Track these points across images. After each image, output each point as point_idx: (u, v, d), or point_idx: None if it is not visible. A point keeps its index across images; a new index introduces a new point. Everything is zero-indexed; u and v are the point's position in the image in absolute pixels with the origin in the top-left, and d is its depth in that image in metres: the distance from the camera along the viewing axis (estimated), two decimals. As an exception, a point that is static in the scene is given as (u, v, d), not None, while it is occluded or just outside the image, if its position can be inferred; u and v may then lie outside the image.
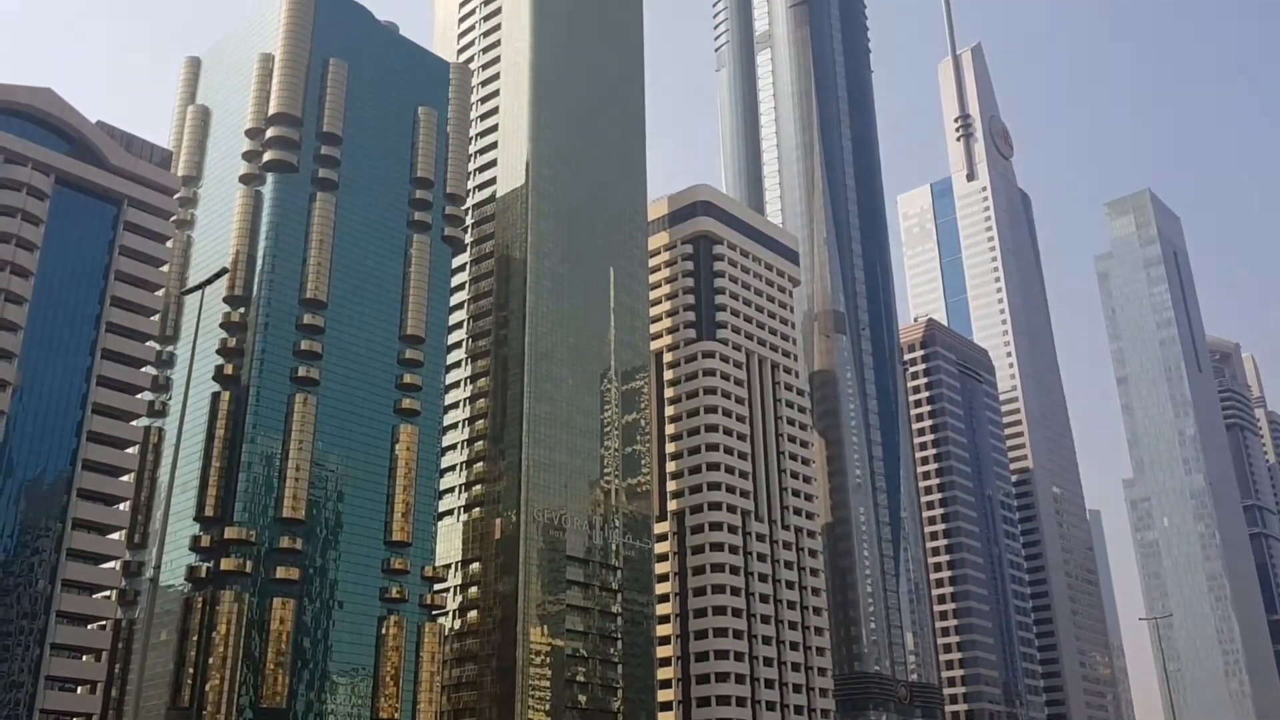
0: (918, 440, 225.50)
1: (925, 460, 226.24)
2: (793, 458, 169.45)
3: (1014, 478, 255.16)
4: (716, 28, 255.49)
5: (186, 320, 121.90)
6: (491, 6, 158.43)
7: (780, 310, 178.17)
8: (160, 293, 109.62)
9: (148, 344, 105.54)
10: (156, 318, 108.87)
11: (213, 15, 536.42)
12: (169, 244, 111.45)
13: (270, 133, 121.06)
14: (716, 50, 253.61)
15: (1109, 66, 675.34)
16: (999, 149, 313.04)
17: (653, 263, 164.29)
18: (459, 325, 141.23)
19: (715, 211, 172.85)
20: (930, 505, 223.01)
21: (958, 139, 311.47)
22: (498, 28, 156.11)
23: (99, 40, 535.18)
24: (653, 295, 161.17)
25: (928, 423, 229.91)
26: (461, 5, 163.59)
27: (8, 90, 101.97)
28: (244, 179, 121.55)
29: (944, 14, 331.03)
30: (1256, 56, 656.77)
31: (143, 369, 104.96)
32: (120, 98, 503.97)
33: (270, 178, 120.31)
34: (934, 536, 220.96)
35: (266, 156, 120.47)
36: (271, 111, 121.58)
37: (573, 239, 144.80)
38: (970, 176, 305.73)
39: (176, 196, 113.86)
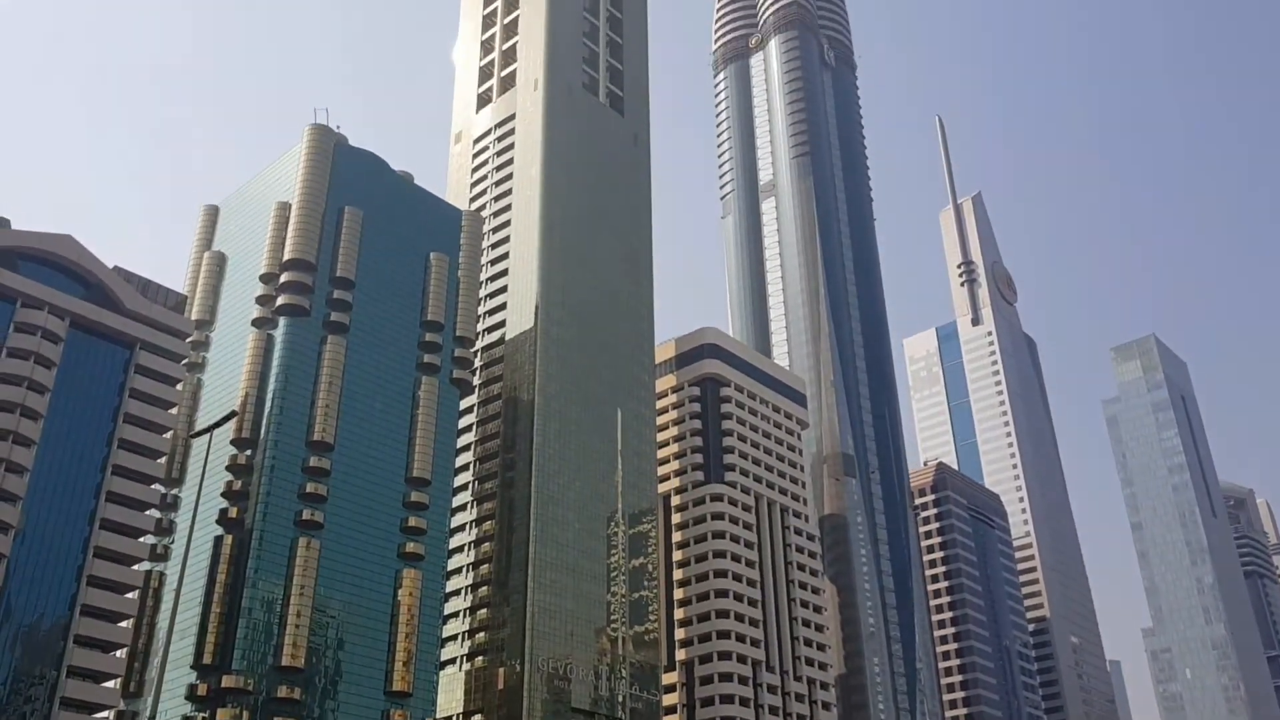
0: (931, 588, 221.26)
1: (940, 609, 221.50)
2: (804, 605, 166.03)
3: (1031, 627, 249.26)
4: (722, 176, 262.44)
5: (193, 463, 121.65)
6: (504, 157, 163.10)
7: (789, 453, 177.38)
8: (168, 435, 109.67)
9: (153, 487, 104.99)
10: (163, 460, 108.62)
11: (234, 165, 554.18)
12: (179, 387, 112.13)
13: (284, 277, 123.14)
14: (722, 198, 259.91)
15: (1110, 213, 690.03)
16: (1003, 294, 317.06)
17: (660, 405, 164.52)
18: (465, 468, 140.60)
19: (722, 354, 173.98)
20: (946, 655, 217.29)
21: (961, 284, 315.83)
22: (509, 177, 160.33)
23: (122, 186, 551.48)
24: (660, 437, 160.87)
25: (941, 569, 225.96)
26: (475, 156, 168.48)
27: (30, 237, 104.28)
28: (256, 322, 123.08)
29: (944, 164, 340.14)
30: (1265, 205, 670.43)
31: (147, 512, 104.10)
32: (140, 241, 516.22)
33: (282, 321, 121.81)
34: (950, 689, 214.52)
35: (280, 300, 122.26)
36: (286, 257, 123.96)
37: (581, 381, 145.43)
38: (975, 321, 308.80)
39: (189, 340, 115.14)
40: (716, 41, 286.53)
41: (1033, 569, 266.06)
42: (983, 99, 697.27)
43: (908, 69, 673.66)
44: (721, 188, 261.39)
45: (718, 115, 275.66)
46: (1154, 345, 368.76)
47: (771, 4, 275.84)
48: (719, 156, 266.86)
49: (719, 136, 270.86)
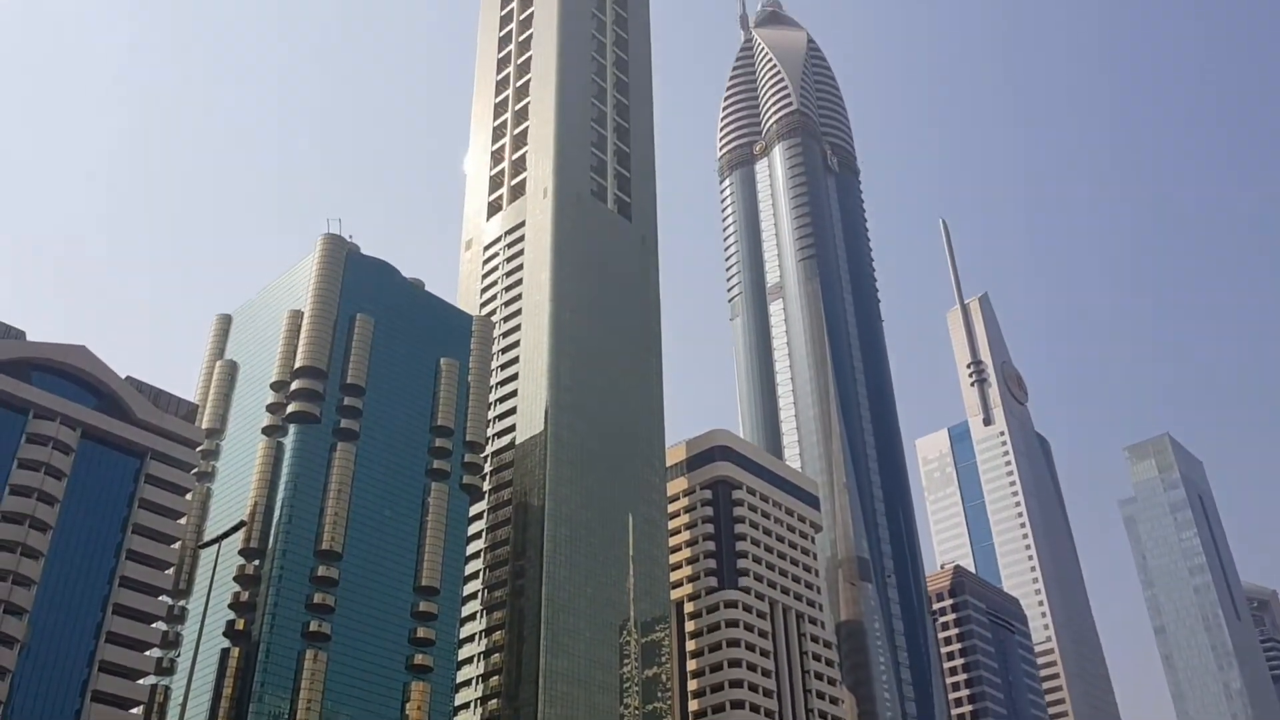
0: (952, 696, 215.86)
1: (962, 718, 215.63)
2: (822, 716, 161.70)
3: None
4: (729, 279, 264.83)
5: (200, 573, 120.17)
6: (514, 263, 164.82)
7: (803, 557, 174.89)
8: (176, 546, 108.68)
9: (160, 599, 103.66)
10: (170, 572, 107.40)
11: (250, 274, 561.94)
12: (189, 496, 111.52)
13: (295, 385, 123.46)
14: (730, 300, 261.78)
15: (1119, 309, 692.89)
16: (1013, 394, 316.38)
17: (672, 509, 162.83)
18: (475, 575, 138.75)
19: (734, 456, 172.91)
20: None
21: (972, 384, 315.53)
22: (519, 282, 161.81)
23: (138, 293, 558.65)
24: (672, 542, 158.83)
25: (962, 677, 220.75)
26: (485, 262, 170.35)
27: (44, 348, 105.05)
28: (266, 430, 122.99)
29: (949, 265, 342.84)
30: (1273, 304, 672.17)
31: (153, 625, 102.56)
32: (154, 349, 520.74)
33: (292, 429, 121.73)
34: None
35: (290, 408, 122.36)
36: (297, 364, 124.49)
37: (591, 485, 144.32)
38: (987, 421, 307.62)
39: (199, 449, 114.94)
40: (721, 148, 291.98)
41: (1055, 674, 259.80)
42: (986, 199, 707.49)
43: (910, 172, 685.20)
44: (729, 290, 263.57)
45: (724, 219, 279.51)
46: (1168, 444, 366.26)
47: (774, 112, 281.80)
48: (726, 259, 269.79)
49: (726, 240, 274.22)
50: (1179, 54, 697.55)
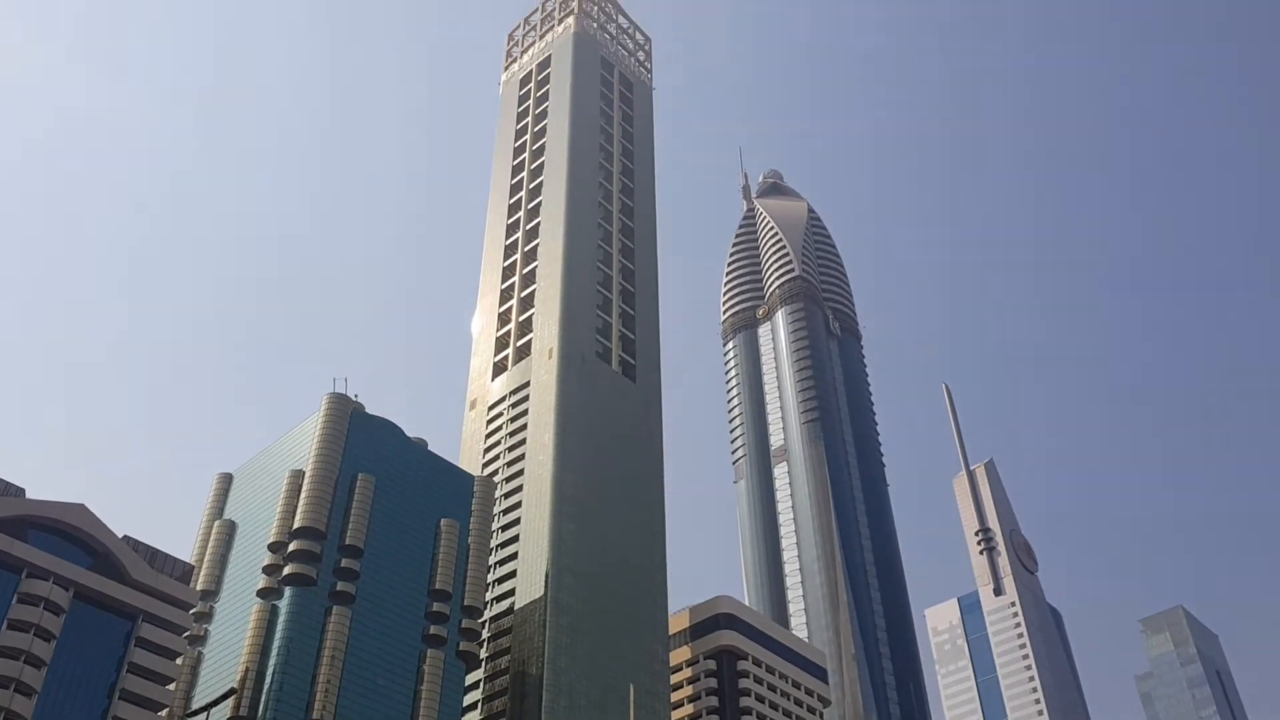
0: None
1: None
2: None
3: None
4: (733, 441, 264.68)
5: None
6: (517, 423, 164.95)
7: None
8: (164, 713, 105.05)
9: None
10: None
11: (254, 432, 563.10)
12: (179, 661, 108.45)
13: (292, 546, 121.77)
14: (734, 463, 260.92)
15: (1127, 476, 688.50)
16: (1023, 563, 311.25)
17: (675, 679, 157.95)
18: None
19: (738, 624, 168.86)
20: None
21: (980, 552, 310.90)
22: (523, 443, 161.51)
23: (139, 451, 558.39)
24: (675, 715, 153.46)
25: None
26: (489, 422, 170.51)
27: (43, 506, 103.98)
28: (261, 593, 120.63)
29: (954, 431, 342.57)
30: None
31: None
32: (154, 505, 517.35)
33: (288, 591, 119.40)
34: None
35: (286, 570, 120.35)
36: (296, 525, 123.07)
37: (591, 654, 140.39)
38: (998, 591, 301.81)
39: (192, 611, 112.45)
40: (725, 312, 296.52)
41: None
42: (989, 363, 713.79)
43: (912, 336, 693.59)
44: (733, 452, 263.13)
45: (728, 382, 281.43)
46: (1183, 617, 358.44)
47: (777, 278, 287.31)
48: (730, 422, 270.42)
49: (729, 402, 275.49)
50: (1169, 222, 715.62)
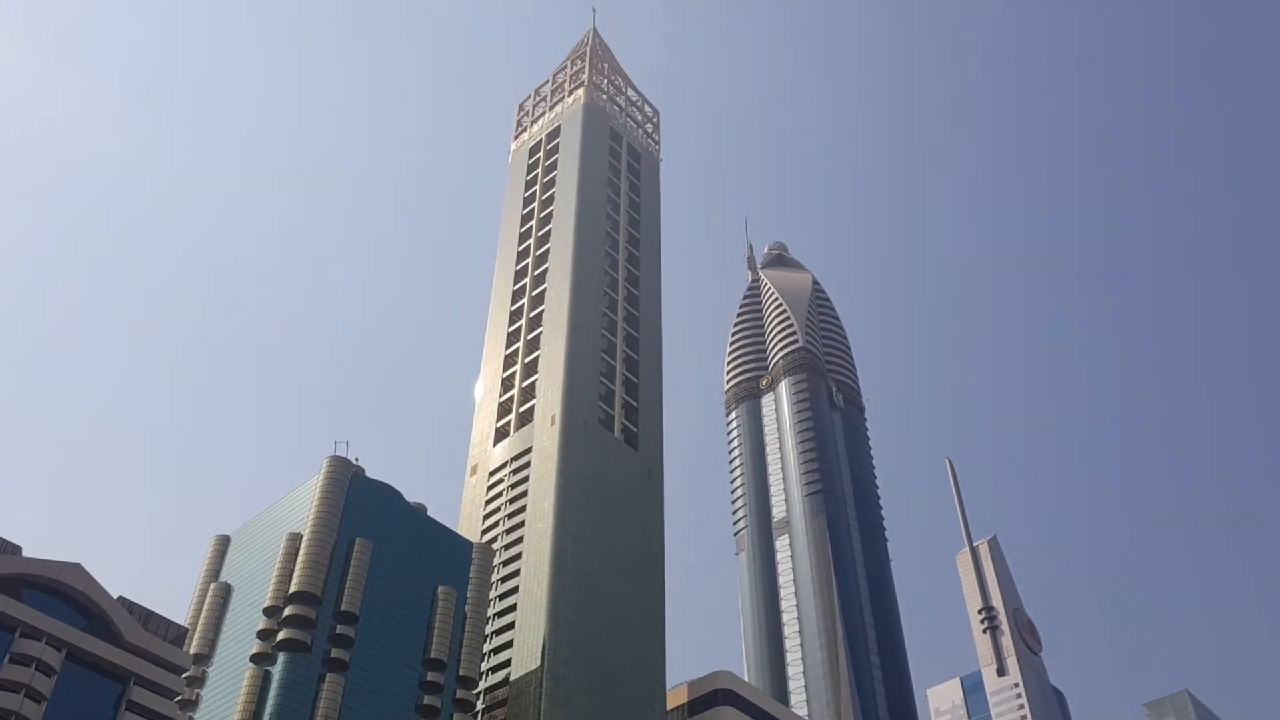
0: None
1: None
2: None
3: None
4: (735, 512, 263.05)
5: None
6: (518, 489, 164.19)
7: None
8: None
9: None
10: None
11: (254, 494, 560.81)
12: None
13: (287, 611, 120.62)
14: (736, 534, 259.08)
15: (1130, 557, 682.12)
16: (1027, 643, 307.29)
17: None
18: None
19: (738, 701, 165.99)
20: None
21: (984, 631, 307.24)
22: (523, 509, 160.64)
23: (138, 514, 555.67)
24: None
25: None
26: (490, 489, 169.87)
27: (38, 565, 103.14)
28: (255, 658, 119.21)
29: (957, 506, 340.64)
30: None
31: None
32: (151, 566, 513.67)
33: (282, 657, 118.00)
34: None
35: (281, 635, 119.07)
36: (292, 590, 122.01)
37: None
38: (1001, 671, 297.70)
39: (184, 675, 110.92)
40: (729, 382, 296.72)
41: None
42: (994, 439, 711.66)
43: (916, 410, 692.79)
44: (735, 524, 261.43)
45: (730, 452, 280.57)
46: (1188, 701, 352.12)
47: (781, 349, 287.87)
48: (732, 493, 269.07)
49: (732, 473, 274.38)
50: (1174, 298, 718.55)
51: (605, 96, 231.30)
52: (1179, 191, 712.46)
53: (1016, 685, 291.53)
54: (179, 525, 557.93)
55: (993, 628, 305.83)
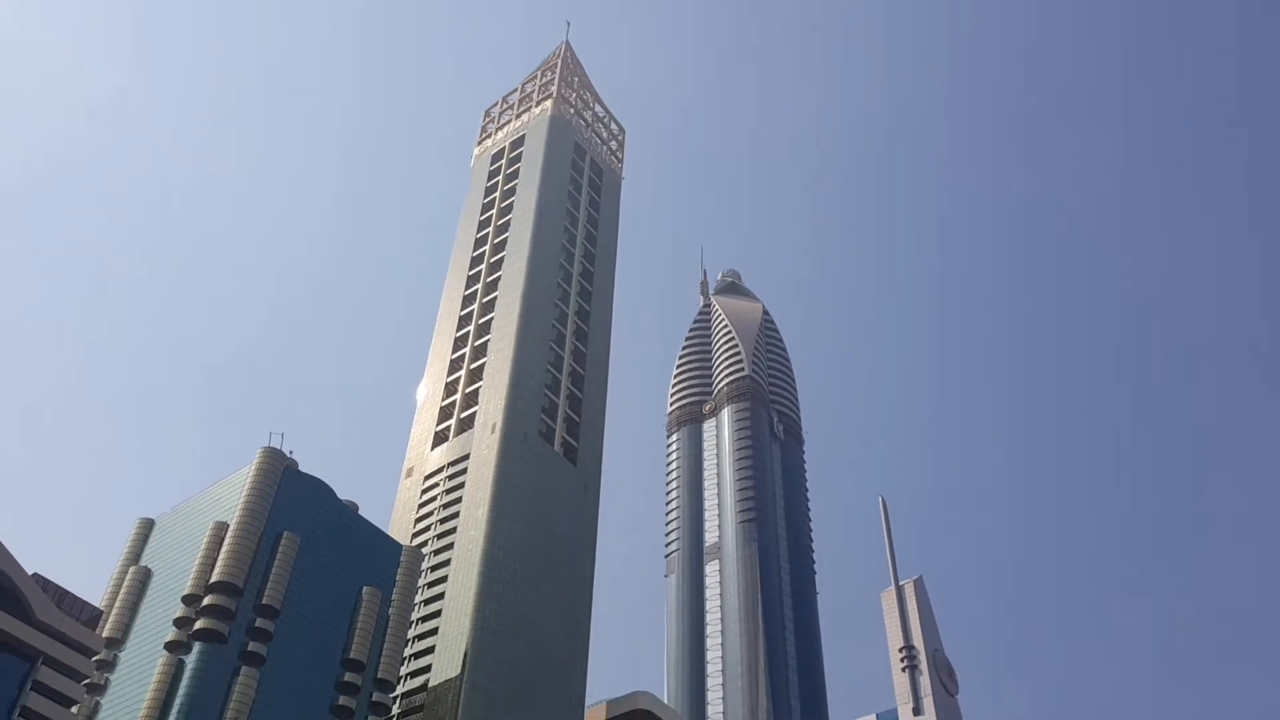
0: None
1: None
2: None
3: None
4: (668, 534, 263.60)
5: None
6: (452, 495, 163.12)
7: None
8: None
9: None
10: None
11: (178, 486, 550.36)
12: (74, 709, 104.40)
13: (206, 600, 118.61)
14: (667, 556, 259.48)
15: (1054, 606, 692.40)
16: (945, 685, 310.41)
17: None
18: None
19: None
20: None
21: (903, 670, 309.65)
22: (455, 515, 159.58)
23: (60, 488, 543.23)
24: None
25: None
26: (424, 492, 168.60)
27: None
28: (169, 645, 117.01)
29: (886, 544, 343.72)
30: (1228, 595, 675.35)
31: None
32: (73, 546, 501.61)
33: (197, 647, 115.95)
34: None
35: (197, 624, 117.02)
36: (213, 579, 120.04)
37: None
38: (917, 711, 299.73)
39: (95, 659, 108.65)
40: (672, 404, 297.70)
41: None
42: (927, 481, 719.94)
43: (854, 446, 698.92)
44: (667, 545, 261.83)
45: (668, 474, 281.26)
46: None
47: (726, 375, 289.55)
48: (667, 514, 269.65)
49: (668, 495, 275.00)
50: (1125, 342, 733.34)
51: (573, 110, 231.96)
52: (1122, 233, 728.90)
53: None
54: (101, 509, 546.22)
55: (912, 667, 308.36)
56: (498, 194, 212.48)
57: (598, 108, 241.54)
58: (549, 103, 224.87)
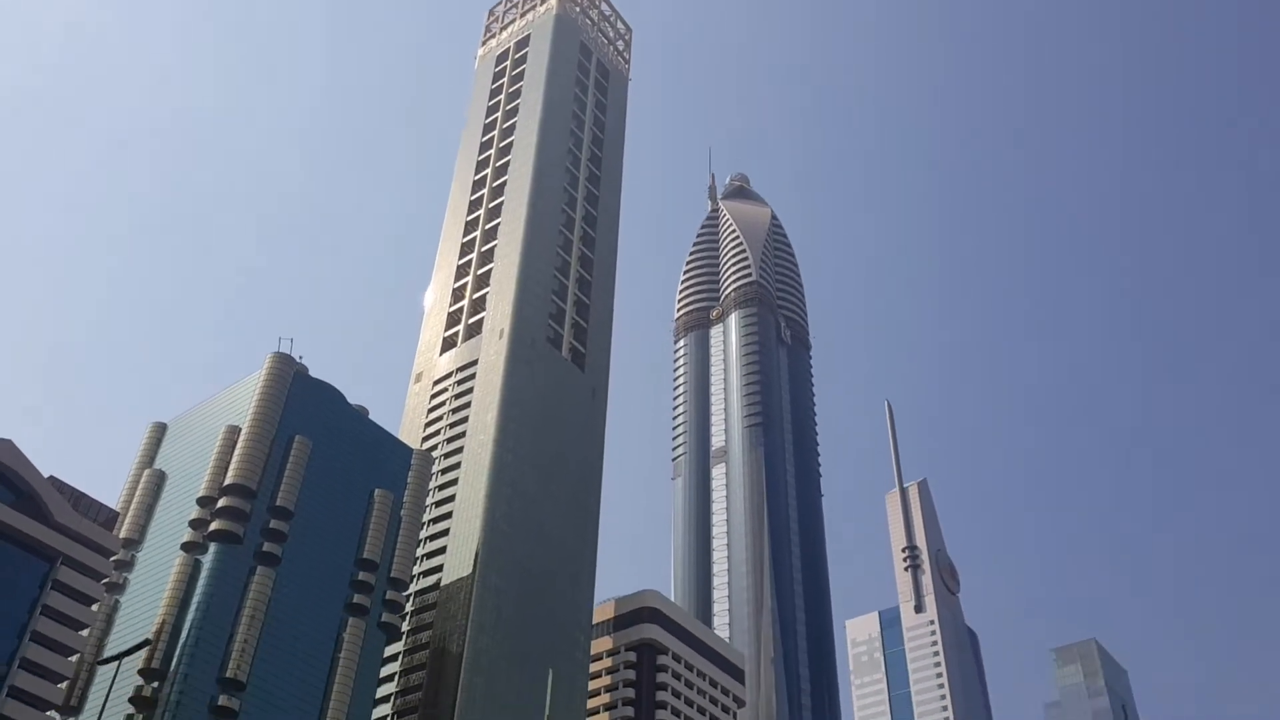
0: None
1: None
2: None
3: None
4: (675, 438, 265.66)
5: (95, 691, 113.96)
6: (461, 400, 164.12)
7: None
8: (74, 658, 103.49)
9: (49, 714, 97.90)
10: (64, 685, 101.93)
11: (193, 385, 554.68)
12: (95, 607, 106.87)
13: (221, 502, 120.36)
14: (674, 459, 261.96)
15: (1054, 509, 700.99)
16: (946, 583, 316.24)
17: (594, 668, 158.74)
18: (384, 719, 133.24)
19: (662, 619, 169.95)
20: None
21: (905, 569, 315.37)
22: (465, 420, 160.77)
23: (75, 395, 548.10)
24: (591, 703, 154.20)
25: None
26: (433, 397, 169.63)
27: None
28: (186, 546, 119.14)
29: (891, 448, 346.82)
30: (1216, 509, 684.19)
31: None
32: (86, 450, 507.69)
33: (213, 547, 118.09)
34: None
35: (213, 526, 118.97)
36: (227, 481, 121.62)
37: (514, 636, 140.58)
38: (918, 608, 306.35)
39: (113, 559, 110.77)
40: (679, 310, 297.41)
41: None
42: (935, 385, 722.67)
43: (861, 351, 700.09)
44: (674, 449, 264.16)
45: (675, 379, 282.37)
46: (1095, 649, 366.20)
47: (733, 281, 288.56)
48: (674, 419, 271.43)
49: (675, 399, 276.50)
50: (1138, 252, 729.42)
51: (578, 9, 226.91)
52: (1118, 142, 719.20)
53: (932, 623, 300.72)
54: (115, 415, 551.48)
55: (914, 566, 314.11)
56: (502, 97, 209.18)
57: (604, 6, 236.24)
58: (554, 0, 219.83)
